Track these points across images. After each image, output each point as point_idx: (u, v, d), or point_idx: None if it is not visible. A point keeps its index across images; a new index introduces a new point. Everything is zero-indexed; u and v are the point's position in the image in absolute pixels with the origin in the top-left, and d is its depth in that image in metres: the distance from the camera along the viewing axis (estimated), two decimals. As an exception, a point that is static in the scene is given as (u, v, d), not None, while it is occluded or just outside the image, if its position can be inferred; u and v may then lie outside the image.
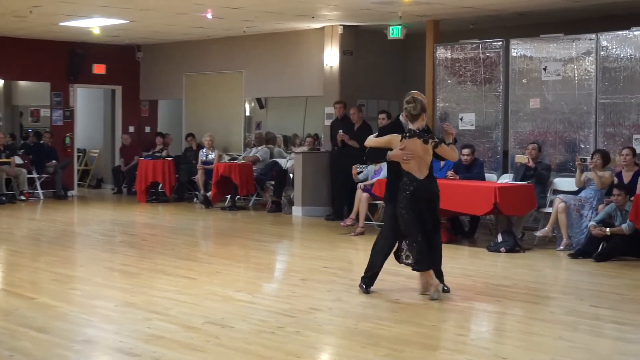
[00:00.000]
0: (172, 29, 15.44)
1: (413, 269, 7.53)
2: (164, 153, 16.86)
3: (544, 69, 11.86)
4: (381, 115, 13.08)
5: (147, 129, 18.95)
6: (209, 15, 13.08)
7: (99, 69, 18.09)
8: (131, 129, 18.70)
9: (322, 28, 14.82)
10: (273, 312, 6.87)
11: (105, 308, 7.04)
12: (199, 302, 7.24)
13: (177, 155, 16.92)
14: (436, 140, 7.44)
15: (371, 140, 7.73)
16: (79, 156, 18.91)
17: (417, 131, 7.40)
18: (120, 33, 16.07)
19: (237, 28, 15.06)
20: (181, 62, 17.80)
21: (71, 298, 7.53)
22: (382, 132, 7.84)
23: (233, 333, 6.18)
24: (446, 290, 7.58)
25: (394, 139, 7.45)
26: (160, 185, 16.20)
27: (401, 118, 7.66)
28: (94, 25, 14.53)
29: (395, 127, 7.68)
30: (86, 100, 19.16)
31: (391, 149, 7.44)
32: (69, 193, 17.19)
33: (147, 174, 15.90)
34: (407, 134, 7.38)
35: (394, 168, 7.53)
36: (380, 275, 7.87)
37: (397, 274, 8.46)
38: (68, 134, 17.75)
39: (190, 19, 13.88)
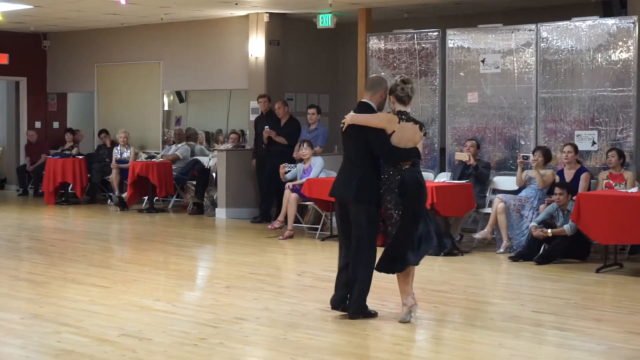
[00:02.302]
0: (82, 16, 15.21)
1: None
2: (74, 151, 16.62)
3: (482, 61, 12.04)
4: (311, 110, 13.12)
5: (56, 125, 18.64)
6: (123, 1, 12.92)
7: (1, 58, 17.72)
8: (38, 124, 18.37)
9: (247, 16, 14.78)
10: (195, 323, 6.83)
11: (9, 321, 6.90)
12: (114, 313, 7.16)
13: (88, 154, 16.70)
14: (426, 129, 7.25)
15: (368, 118, 7.03)
16: (-21, 154, 18.52)
17: (411, 115, 7.16)
18: (25, 19, 15.77)
19: (154, 15, 14.92)
20: (92, 52, 17.56)
21: (-29, 310, 7.36)
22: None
23: (152, 346, 6.12)
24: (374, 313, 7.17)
25: (394, 119, 6.96)
26: (71, 186, 15.95)
27: (390, 104, 7.17)
28: (-4, 10, 14.24)
29: (368, 109, 7.14)
30: (-13, 93, 18.78)
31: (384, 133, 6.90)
32: (-31, 195, 16.82)
33: (56, 173, 15.64)
34: (404, 117, 7.00)
35: (373, 161, 7.06)
36: (311, 282, 7.90)
37: (328, 279, 8.48)
38: (-33, 130, 17.37)
39: (103, 4, 13.71)
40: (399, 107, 7.08)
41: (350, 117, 7.07)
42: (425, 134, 7.13)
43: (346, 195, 7.06)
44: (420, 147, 7.04)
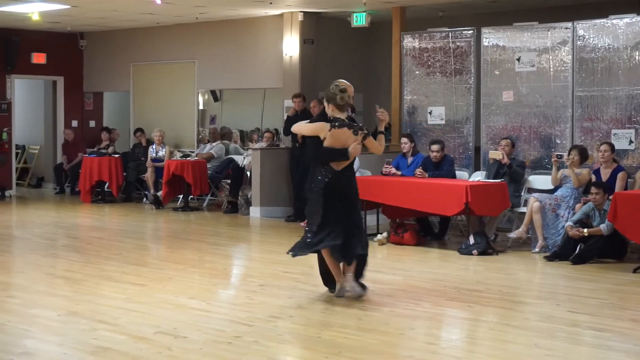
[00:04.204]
0: (118, 15, 15.32)
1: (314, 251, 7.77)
2: (110, 149, 16.73)
3: (518, 60, 11.97)
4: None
5: (92, 124, 18.78)
6: (158, 1, 13.00)
7: (38, 58, 17.90)
8: (74, 123, 18.53)
9: (281, 15, 14.81)
10: (230, 321, 6.85)
11: (46, 318, 6.97)
12: (149, 310, 7.20)
13: (124, 152, 16.80)
14: (365, 131, 7.65)
15: (301, 127, 7.95)
16: (17, 153, 18.68)
17: (346, 121, 7.62)
18: (62, 19, 15.91)
19: (189, 14, 15.00)
20: (128, 51, 17.68)
21: (9, 307, 7.43)
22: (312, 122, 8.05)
23: (187, 344, 6.15)
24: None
25: (323, 127, 7.62)
26: (107, 185, 16.08)
27: (327, 110, 7.78)
28: (33, 10, 14.35)
29: (322, 116, 7.89)
30: (25, 92, 18.95)
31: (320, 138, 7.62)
32: (7, 193, 16.99)
33: (92, 172, 15.76)
34: (337, 124, 7.57)
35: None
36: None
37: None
38: (5, 129, 17.52)
39: (138, 4, 13.80)
40: (337, 114, 7.65)
41: (295, 127, 7.98)
42: (365, 136, 7.61)
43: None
44: (358, 149, 7.58)
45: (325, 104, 7.79)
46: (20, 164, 19.14)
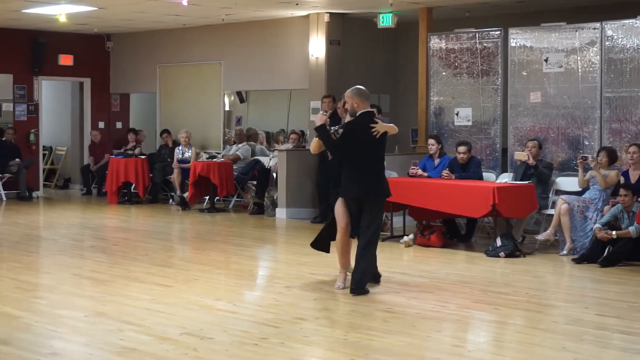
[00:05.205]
0: (144, 17, 15.40)
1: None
2: (137, 151, 16.81)
3: (545, 61, 11.91)
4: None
5: (119, 125, 18.90)
6: (185, 2, 13.06)
7: (65, 59, 18.04)
8: (101, 124, 18.64)
9: (307, 16, 14.83)
10: (256, 322, 6.86)
11: (73, 318, 7.02)
12: (175, 311, 7.23)
13: (150, 154, 16.88)
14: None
15: (387, 126, 8.28)
16: (44, 154, 18.84)
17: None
18: (89, 21, 16.02)
19: (215, 16, 15.05)
20: (155, 53, 17.77)
21: (36, 308, 7.49)
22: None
23: (213, 345, 6.17)
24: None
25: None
26: (133, 186, 16.16)
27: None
28: (60, 12, 14.46)
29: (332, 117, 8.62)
30: (52, 94, 19.10)
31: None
32: (34, 194, 17.11)
33: (119, 173, 15.85)
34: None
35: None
36: (371, 282, 7.97)
37: (388, 280, 8.49)
38: (32, 130, 17.68)
39: (164, 5, 13.86)
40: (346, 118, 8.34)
41: (383, 126, 8.10)
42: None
43: (376, 193, 8.12)
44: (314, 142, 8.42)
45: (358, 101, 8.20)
46: (48, 165, 19.29)
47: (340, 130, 8.09)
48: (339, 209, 8.16)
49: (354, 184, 8.05)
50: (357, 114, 8.09)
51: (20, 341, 6.26)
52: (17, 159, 16.69)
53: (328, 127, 8.10)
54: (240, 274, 9.28)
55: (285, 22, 15.39)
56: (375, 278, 8.34)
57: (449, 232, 11.50)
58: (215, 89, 16.83)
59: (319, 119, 8.14)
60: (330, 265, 9.49)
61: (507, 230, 10.72)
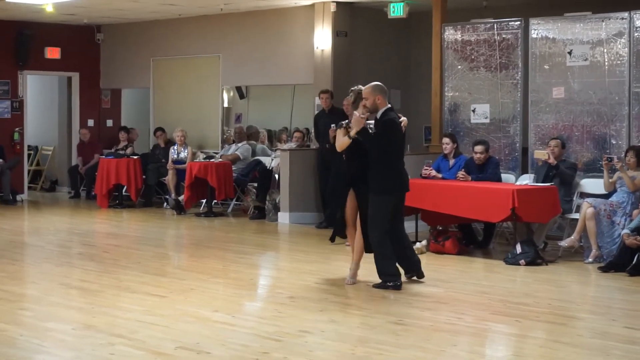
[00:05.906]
0: (137, 7, 15.42)
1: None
2: (129, 151, 16.84)
3: (569, 53, 11.89)
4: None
5: (109, 123, 18.93)
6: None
7: (52, 53, 18.06)
8: (90, 122, 18.67)
9: (312, 5, 14.83)
10: (257, 336, 6.86)
11: (60, 331, 7.02)
12: (170, 324, 7.23)
13: (143, 154, 16.91)
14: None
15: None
16: (29, 154, 18.88)
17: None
18: (78, 11, 16.04)
19: (213, 5, 15.06)
20: (148, 45, 17.79)
21: (21, 320, 7.50)
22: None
23: (210, 360, 6.17)
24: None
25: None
26: (125, 188, 16.17)
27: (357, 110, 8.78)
28: (47, 1, 14.49)
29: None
30: (38, 89, 19.16)
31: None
32: (18, 197, 17.15)
33: (109, 174, 15.86)
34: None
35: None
36: (381, 293, 7.93)
37: (399, 291, 8.48)
38: (17, 129, 17.71)
39: (159, -6, 13.89)
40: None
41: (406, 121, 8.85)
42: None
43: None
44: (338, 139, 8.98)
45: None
46: (33, 166, 19.32)
47: (372, 126, 8.60)
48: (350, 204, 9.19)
49: (403, 180, 8.94)
50: (382, 111, 8.59)
51: (4, 356, 6.26)
52: (1, 160, 16.72)
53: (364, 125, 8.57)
54: (239, 284, 9.28)
55: (289, 12, 15.40)
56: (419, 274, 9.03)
57: (465, 238, 11.49)
58: (213, 84, 16.85)
59: (358, 122, 8.52)
60: (336, 273, 9.50)
61: (528, 236, 10.71)
